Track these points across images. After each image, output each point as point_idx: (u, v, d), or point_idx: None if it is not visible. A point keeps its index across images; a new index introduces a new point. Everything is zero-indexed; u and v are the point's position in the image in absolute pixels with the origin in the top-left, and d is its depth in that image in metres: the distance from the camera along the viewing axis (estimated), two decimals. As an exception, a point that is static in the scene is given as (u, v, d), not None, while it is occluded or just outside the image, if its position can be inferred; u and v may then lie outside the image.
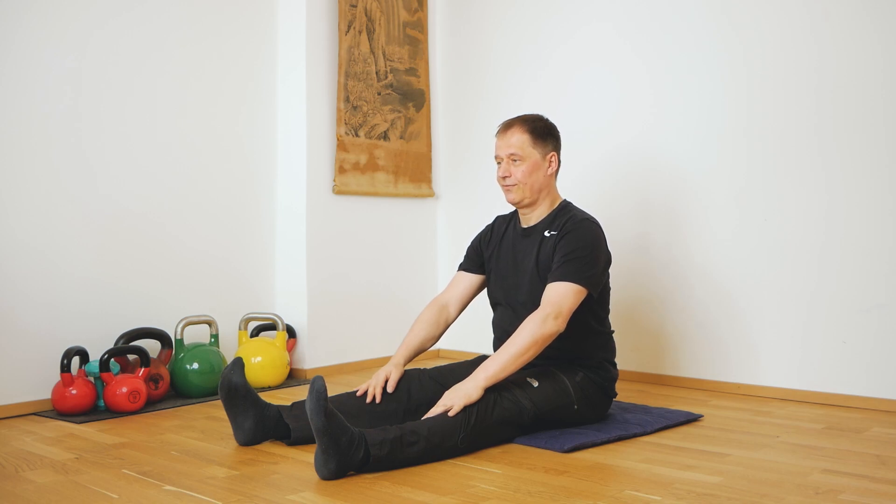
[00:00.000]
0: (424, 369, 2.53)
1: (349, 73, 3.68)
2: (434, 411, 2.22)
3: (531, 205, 2.56)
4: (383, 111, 3.84)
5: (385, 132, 3.84)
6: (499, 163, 2.56)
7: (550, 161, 2.56)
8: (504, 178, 2.53)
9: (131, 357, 2.97)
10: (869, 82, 2.85)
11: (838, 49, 2.91)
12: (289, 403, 2.43)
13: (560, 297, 2.34)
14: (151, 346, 3.13)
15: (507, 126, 2.55)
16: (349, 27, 3.68)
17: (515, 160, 2.51)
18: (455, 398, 2.21)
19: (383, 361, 3.70)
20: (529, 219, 2.58)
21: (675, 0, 3.31)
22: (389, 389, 2.39)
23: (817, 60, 2.96)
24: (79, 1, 2.99)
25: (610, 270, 2.57)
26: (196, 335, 3.28)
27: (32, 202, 2.88)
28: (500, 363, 2.27)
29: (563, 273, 2.38)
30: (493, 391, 2.27)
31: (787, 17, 3.03)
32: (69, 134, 2.97)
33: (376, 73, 3.80)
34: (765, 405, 2.91)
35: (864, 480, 2.00)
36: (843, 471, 2.08)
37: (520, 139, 2.51)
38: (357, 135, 3.72)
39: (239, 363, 2.32)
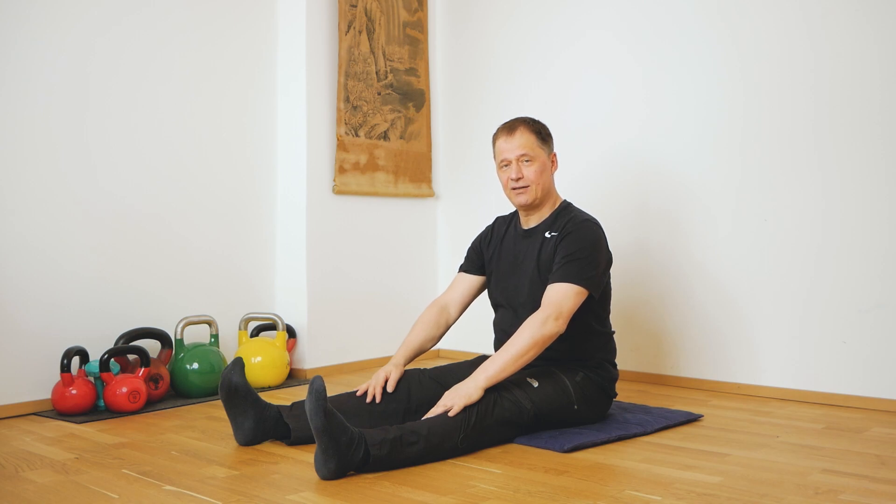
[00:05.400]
0: (424, 369, 2.53)
1: (349, 73, 3.68)
2: (434, 411, 2.22)
3: (539, 206, 2.54)
4: (383, 111, 3.84)
5: (385, 132, 3.84)
6: (506, 166, 2.51)
7: (553, 161, 2.57)
8: (517, 179, 2.48)
9: (131, 357, 2.98)
10: (865, 81, 2.86)
11: (834, 48, 2.92)
12: (289, 403, 2.43)
13: (560, 299, 2.34)
14: (151, 346, 3.13)
15: (512, 128, 2.52)
16: (349, 27, 3.69)
17: (527, 160, 2.48)
18: (455, 398, 2.21)
19: (383, 361, 3.70)
20: (530, 220, 2.58)
21: (672, 4, 3.31)
22: (389, 389, 2.39)
23: (813, 60, 2.96)
24: (83, 2, 2.99)
25: (610, 271, 2.57)
26: (196, 335, 3.28)
27: (34, 202, 2.88)
28: (500, 364, 2.27)
29: (563, 274, 2.37)
30: (492, 391, 2.27)
31: (783, 17, 3.03)
32: (73, 134, 2.97)
33: (376, 73, 3.81)
34: (765, 405, 2.91)
35: (864, 480, 2.00)
36: (843, 471, 2.08)
37: (528, 139, 2.49)
38: (357, 135, 3.72)
39: (239, 363, 2.32)
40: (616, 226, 3.32)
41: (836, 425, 2.59)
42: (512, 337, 2.32)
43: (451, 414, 2.19)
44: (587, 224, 2.48)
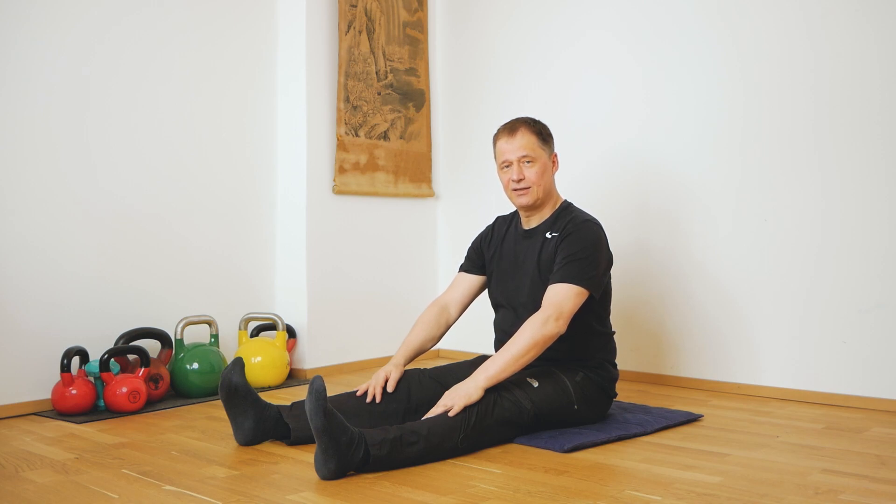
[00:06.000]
0: (425, 369, 2.53)
1: (349, 73, 3.68)
2: (434, 411, 2.22)
3: (540, 207, 2.54)
4: (383, 111, 3.84)
5: (385, 132, 3.84)
6: (507, 167, 2.51)
7: (554, 161, 2.57)
8: (518, 180, 2.47)
9: (131, 357, 2.98)
10: (865, 81, 2.85)
11: (834, 48, 2.92)
12: (289, 403, 2.43)
13: (561, 299, 2.34)
14: (151, 346, 3.13)
15: (513, 128, 2.51)
16: (349, 27, 3.69)
17: (528, 161, 2.48)
18: (455, 398, 2.21)
19: (383, 361, 3.70)
20: (531, 220, 2.58)
21: (672, 4, 3.31)
22: (389, 389, 2.39)
23: (813, 60, 2.96)
24: (83, 2, 2.99)
25: (610, 271, 2.57)
26: (196, 335, 3.28)
27: (34, 202, 2.88)
28: (501, 364, 2.27)
29: (564, 275, 2.37)
30: (492, 391, 2.27)
31: (783, 17, 3.03)
32: (73, 134, 2.97)
33: (376, 73, 3.81)
34: (765, 405, 2.91)
35: (864, 480, 2.00)
36: (843, 471, 2.08)
37: (529, 140, 2.49)
38: (357, 135, 3.72)
39: (239, 363, 2.32)
40: (616, 226, 3.32)
41: (836, 425, 2.59)
42: (513, 337, 2.32)
43: (450, 414, 2.19)
44: (588, 224, 2.48)
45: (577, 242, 2.42)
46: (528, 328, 2.30)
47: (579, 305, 2.37)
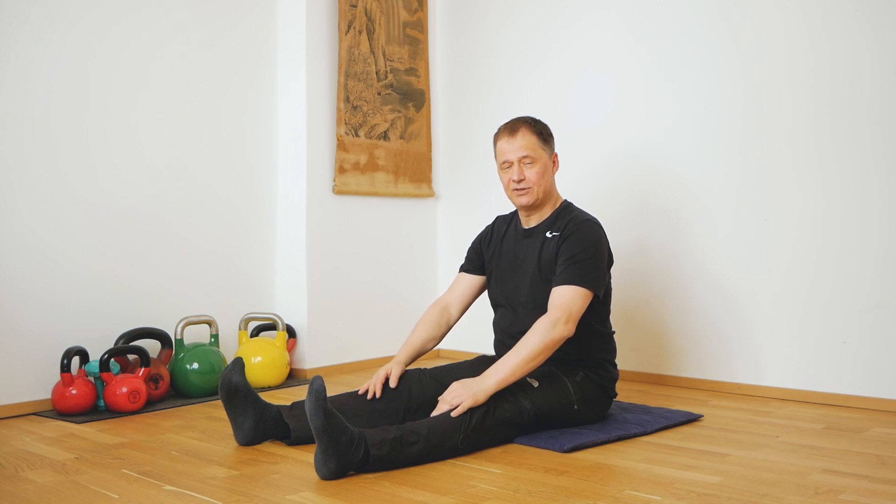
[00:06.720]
0: (425, 369, 2.53)
1: (349, 73, 3.68)
2: (440, 408, 2.23)
3: (540, 206, 2.54)
4: (383, 111, 3.84)
5: (385, 132, 3.84)
6: (507, 167, 2.51)
7: (554, 161, 2.57)
8: (519, 181, 2.47)
9: (131, 357, 2.98)
10: (865, 81, 2.86)
11: (834, 48, 2.92)
12: (289, 403, 2.43)
13: (568, 302, 2.34)
14: (151, 346, 3.13)
15: (514, 128, 2.51)
16: (349, 27, 3.69)
17: (529, 162, 2.48)
18: (463, 396, 2.21)
19: (384, 361, 3.70)
20: (531, 220, 2.57)
21: (672, 4, 3.31)
22: (392, 384, 2.39)
23: (813, 60, 2.96)
24: (83, 2, 2.99)
25: (610, 271, 2.57)
26: (196, 335, 3.28)
27: (34, 202, 2.88)
28: (511, 368, 2.26)
29: (568, 276, 2.37)
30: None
31: (783, 17, 3.03)
32: (73, 134, 2.97)
33: (376, 73, 3.81)
34: (765, 405, 2.91)
35: (864, 480, 2.00)
36: (843, 471, 2.08)
37: (530, 140, 2.49)
38: (357, 135, 3.72)
39: (239, 363, 2.32)
40: (616, 226, 3.32)
41: (836, 425, 2.59)
42: (521, 340, 2.31)
43: (454, 414, 2.19)
44: (588, 224, 2.48)
45: (579, 243, 2.42)
46: (538, 331, 2.29)
47: (585, 307, 2.37)
